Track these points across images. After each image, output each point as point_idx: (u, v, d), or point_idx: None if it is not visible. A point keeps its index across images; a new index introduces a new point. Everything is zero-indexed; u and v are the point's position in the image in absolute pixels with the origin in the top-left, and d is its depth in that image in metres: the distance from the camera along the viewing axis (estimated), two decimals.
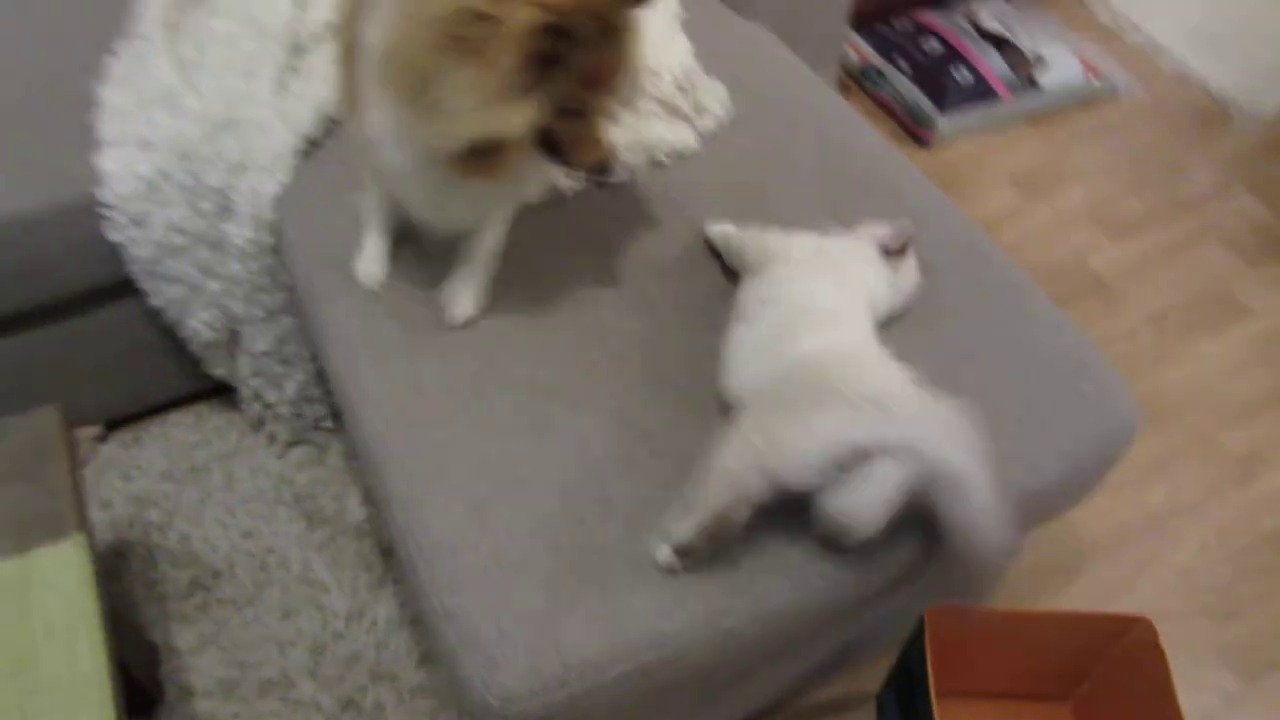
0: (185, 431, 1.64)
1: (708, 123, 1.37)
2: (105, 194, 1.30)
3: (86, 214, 1.32)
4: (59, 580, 1.00)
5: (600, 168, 1.00)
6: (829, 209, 1.25)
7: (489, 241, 1.16)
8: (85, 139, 1.33)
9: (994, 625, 1.24)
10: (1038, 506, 1.12)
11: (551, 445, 1.04)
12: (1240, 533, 1.57)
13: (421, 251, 1.21)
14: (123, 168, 1.29)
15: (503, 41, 0.86)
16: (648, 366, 1.12)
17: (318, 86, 1.33)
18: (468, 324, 1.14)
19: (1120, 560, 1.54)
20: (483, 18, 0.85)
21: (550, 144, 0.98)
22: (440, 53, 0.88)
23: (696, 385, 1.10)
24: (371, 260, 1.19)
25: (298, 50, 1.37)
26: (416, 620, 1.43)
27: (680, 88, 1.36)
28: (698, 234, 1.23)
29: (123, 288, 1.44)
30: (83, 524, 1.06)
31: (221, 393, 1.66)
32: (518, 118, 0.90)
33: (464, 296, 1.14)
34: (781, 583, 0.98)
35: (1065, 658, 1.28)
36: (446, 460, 1.04)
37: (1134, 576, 1.52)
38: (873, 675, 1.37)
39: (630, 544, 0.98)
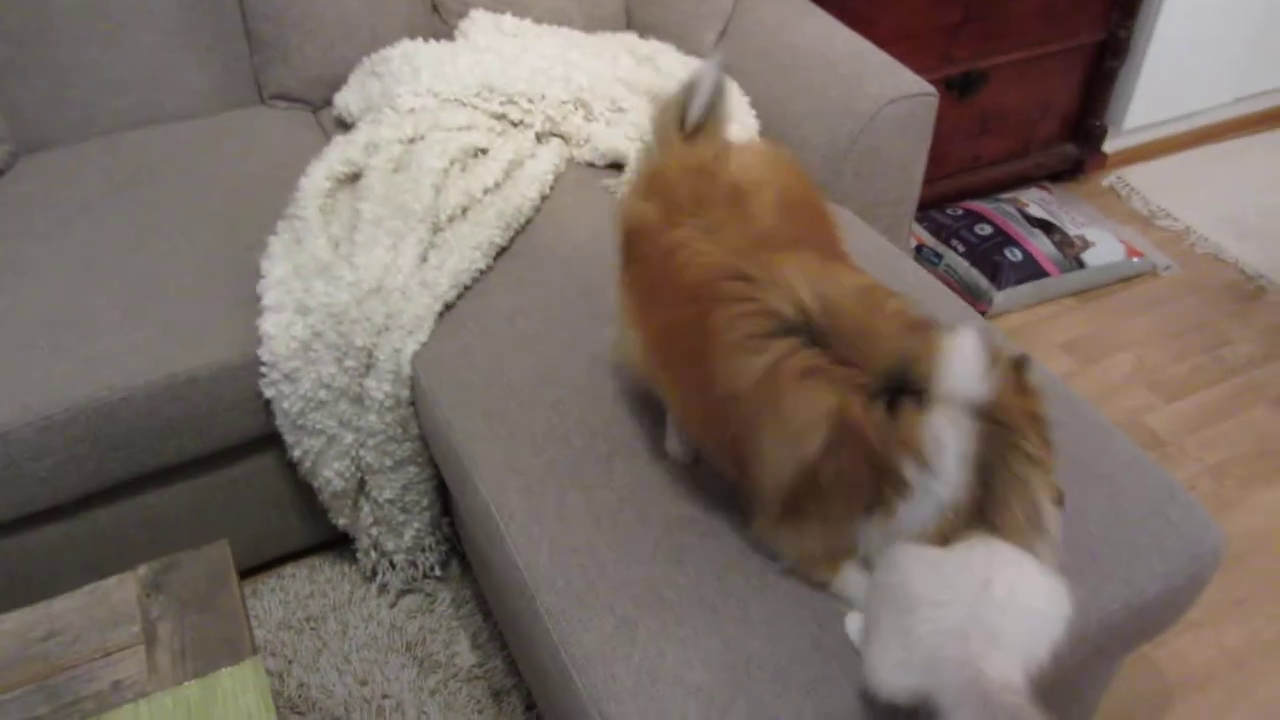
0: (300, 583, 1.73)
1: None
2: (264, 353, 1.44)
3: (244, 372, 1.46)
4: (241, 699, 1.08)
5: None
6: None
7: None
8: (248, 306, 1.49)
9: None
10: (1138, 625, 1.18)
11: (692, 570, 1.14)
12: None
13: (559, 398, 1.33)
14: (282, 330, 1.44)
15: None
16: None
17: (453, 259, 1.50)
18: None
19: (1203, 700, 1.58)
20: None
21: None
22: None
23: None
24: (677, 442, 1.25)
25: (436, 229, 1.54)
26: None
27: None
28: None
29: (264, 442, 1.57)
30: (255, 648, 1.14)
31: (332, 547, 1.77)
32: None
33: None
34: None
35: None
36: (592, 581, 1.13)
37: (1219, 715, 1.55)
38: None
39: (773, 657, 1.05)
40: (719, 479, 1.23)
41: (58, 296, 1.50)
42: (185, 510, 1.57)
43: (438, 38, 1.92)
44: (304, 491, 1.65)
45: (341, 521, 1.62)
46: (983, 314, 2.25)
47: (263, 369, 1.46)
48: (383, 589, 1.70)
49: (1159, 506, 1.23)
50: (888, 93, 1.70)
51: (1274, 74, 2.84)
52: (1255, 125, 2.99)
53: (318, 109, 1.99)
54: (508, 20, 1.92)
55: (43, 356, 1.41)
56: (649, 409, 1.32)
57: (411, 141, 1.68)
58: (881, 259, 1.58)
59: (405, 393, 1.47)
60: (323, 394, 1.46)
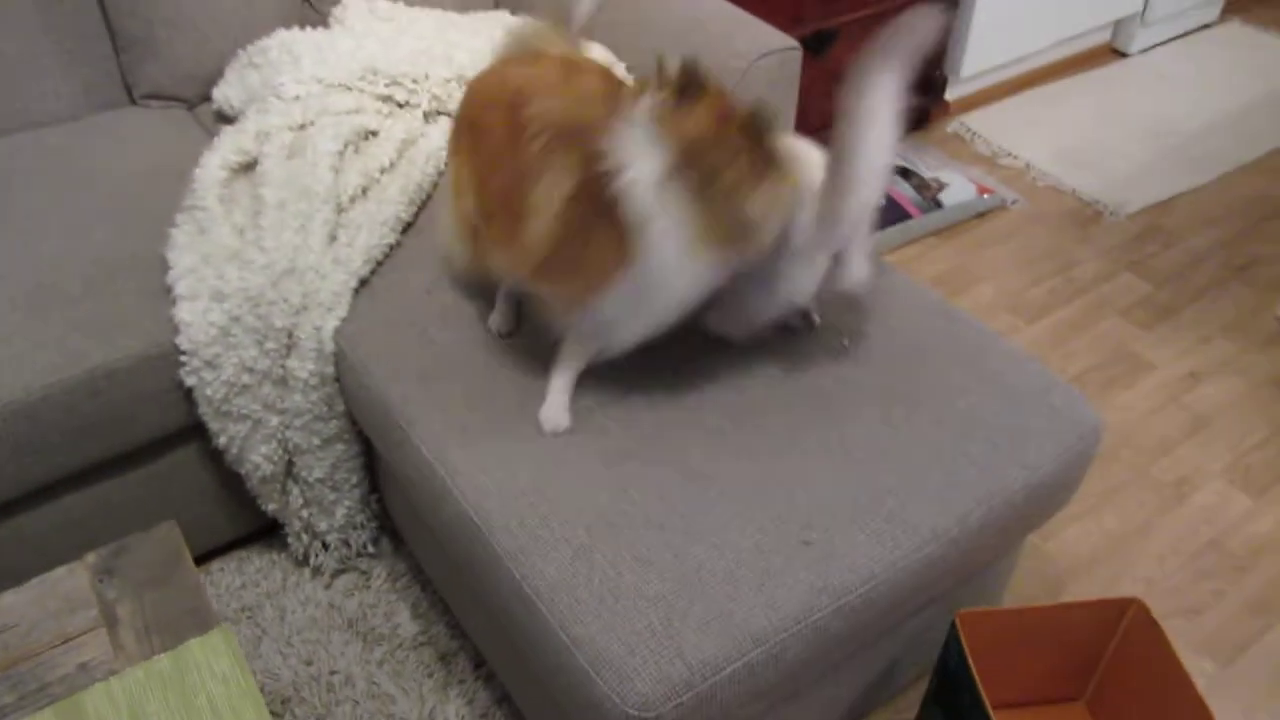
0: (230, 576, 1.73)
1: None
2: (182, 341, 1.45)
3: (163, 362, 1.46)
4: (215, 666, 1.10)
5: None
6: None
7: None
8: (156, 297, 1.49)
9: (1011, 623, 1.41)
10: (1037, 503, 1.32)
11: (636, 496, 1.21)
12: (1186, 543, 1.80)
13: (485, 360, 1.39)
14: (198, 317, 1.45)
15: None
16: (696, 425, 1.30)
17: (363, 235, 1.53)
18: None
19: (1093, 579, 1.74)
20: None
21: None
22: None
23: (740, 430, 1.28)
24: (560, 408, 1.32)
25: (340, 209, 1.57)
26: (486, 715, 1.53)
27: None
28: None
29: (184, 434, 1.57)
30: (220, 617, 1.16)
31: (258, 538, 1.77)
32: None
33: None
34: (851, 579, 1.15)
35: (1073, 652, 1.46)
36: (544, 517, 1.19)
37: (1107, 592, 1.72)
38: (906, 704, 1.53)
39: (721, 561, 1.14)
40: (651, 414, 1.31)
41: None
42: (108, 510, 1.55)
43: (311, 26, 1.93)
44: (228, 483, 1.65)
45: (271, 507, 1.63)
46: None
47: (183, 358, 1.46)
48: (316, 571, 1.71)
49: (1043, 396, 1.36)
50: (757, 48, 1.80)
51: (1088, 17, 3.08)
52: (1077, 66, 3.23)
53: (193, 106, 1.97)
54: (381, 4, 1.95)
55: None
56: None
57: (302, 128, 1.69)
58: None
59: (329, 370, 1.49)
60: (245, 378, 1.48)
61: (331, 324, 1.47)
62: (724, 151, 1.17)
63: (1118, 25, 3.29)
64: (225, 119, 1.86)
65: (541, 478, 1.23)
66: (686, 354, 1.39)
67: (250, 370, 1.47)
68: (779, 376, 1.37)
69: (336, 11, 1.95)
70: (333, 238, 1.53)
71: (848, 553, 1.16)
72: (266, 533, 1.77)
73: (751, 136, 1.19)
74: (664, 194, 1.15)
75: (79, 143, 1.83)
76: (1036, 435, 1.31)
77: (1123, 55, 3.31)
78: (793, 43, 1.84)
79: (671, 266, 1.19)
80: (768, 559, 1.15)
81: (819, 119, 2.64)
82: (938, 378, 1.37)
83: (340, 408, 1.54)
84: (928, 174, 2.54)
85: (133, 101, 1.97)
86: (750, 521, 1.18)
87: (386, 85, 1.77)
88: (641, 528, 1.17)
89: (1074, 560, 1.77)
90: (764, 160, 1.19)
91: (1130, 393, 2.11)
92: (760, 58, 1.79)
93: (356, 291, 1.51)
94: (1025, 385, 1.38)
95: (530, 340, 1.42)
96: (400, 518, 1.69)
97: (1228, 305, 2.32)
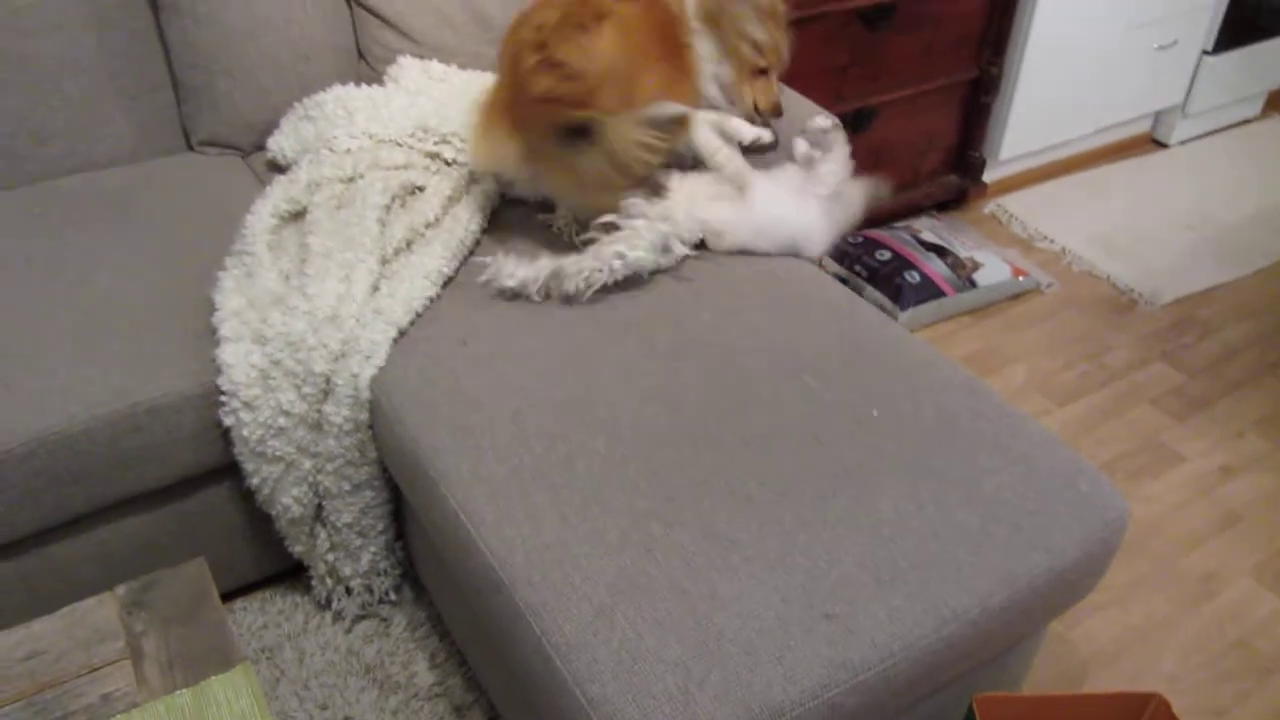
0: (252, 616, 1.74)
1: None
2: (223, 382, 1.48)
3: (203, 401, 1.50)
4: (235, 703, 1.11)
5: (779, 109, 1.80)
6: (841, 358, 1.51)
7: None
8: (201, 338, 1.52)
9: (1030, 711, 1.39)
10: (1061, 589, 1.31)
11: (660, 557, 1.22)
12: (1212, 641, 1.78)
13: (516, 409, 1.41)
14: (240, 359, 1.48)
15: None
16: (724, 487, 1.31)
17: (405, 287, 1.56)
18: None
19: (1115, 671, 1.72)
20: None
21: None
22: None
23: (767, 496, 1.29)
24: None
25: (383, 261, 1.61)
26: None
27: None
28: (745, 376, 1.46)
29: (217, 474, 1.60)
30: (242, 656, 1.17)
31: (282, 579, 1.79)
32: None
33: None
34: (870, 656, 1.15)
35: None
36: (567, 573, 1.20)
37: (1128, 685, 1.70)
38: None
39: (742, 630, 1.14)
40: (679, 474, 1.32)
41: (2, 336, 1.51)
42: (138, 544, 1.58)
43: (365, 83, 1.99)
44: (256, 524, 1.67)
45: (298, 549, 1.65)
46: None
47: (222, 398, 1.49)
48: (338, 616, 1.72)
49: (1071, 480, 1.36)
50: (797, 123, 1.84)
51: (1128, 107, 3.12)
52: (1116, 154, 3.26)
53: (247, 154, 2.03)
54: (435, 66, 2.01)
55: None
56: (602, 409, 1.40)
57: (352, 180, 1.75)
58: (803, 277, 1.71)
59: (364, 416, 1.52)
60: (282, 421, 1.50)
61: (369, 372, 1.50)
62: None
63: (1158, 116, 3.32)
64: (278, 168, 1.92)
65: (566, 533, 1.25)
66: (717, 415, 1.41)
67: (287, 413, 1.50)
68: (808, 443, 1.38)
69: (391, 70, 2.01)
70: (375, 288, 1.57)
71: (868, 628, 1.16)
72: (290, 574, 1.79)
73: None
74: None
75: (136, 185, 1.89)
76: (1063, 520, 1.31)
77: (1163, 146, 3.34)
78: (834, 119, 1.87)
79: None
80: (788, 630, 1.15)
81: None
82: (965, 456, 1.38)
83: (372, 454, 1.56)
84: (963, 253, 2.56)
85: (190, 147, 2.04)
86: (773, 591, 1.18)
87: (435, 143, 1.83)
88: (664, 590, 1.18)
89: (1096, 650, 1.75)
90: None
91: (1159, 483, 2.09)
92: (801, 133, 1.83)
93: (395, 341, 1.54)
94: (1054, 469, 1.38)
95: (559, 394, 1.44)
96: (424, 566, 1.70)
97: (1262, 400, 2.31)
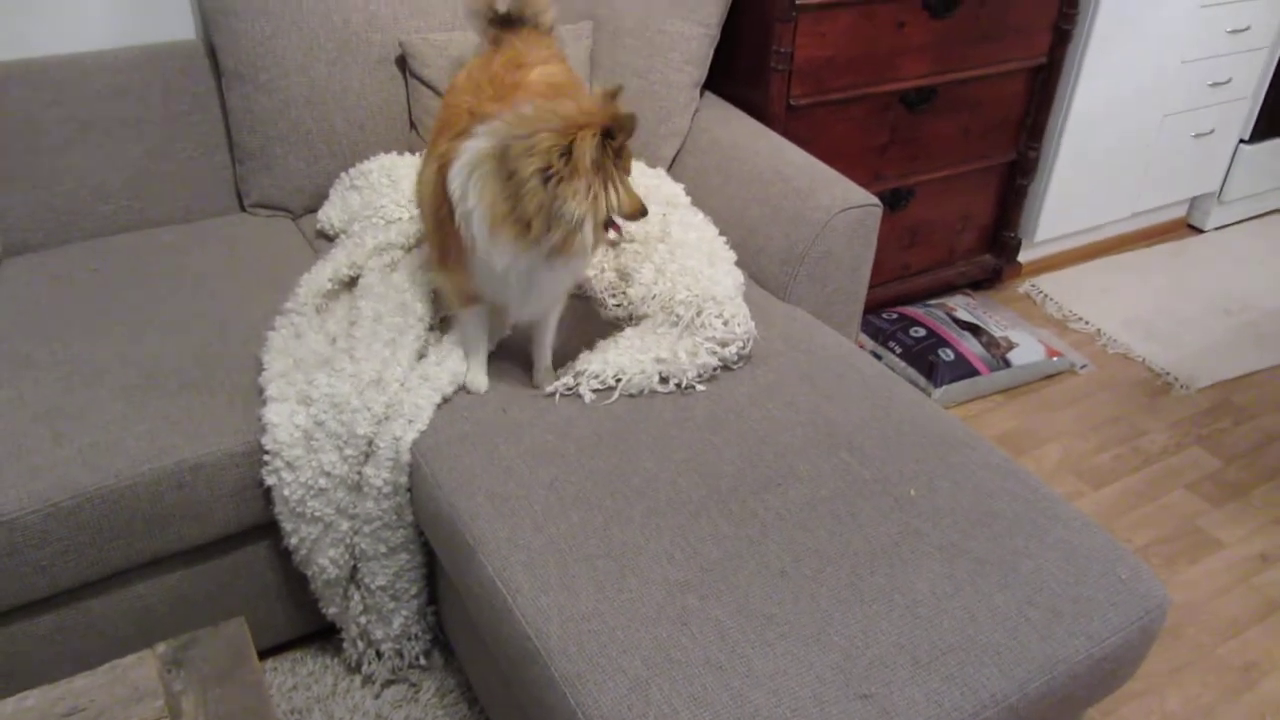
0: (283, 676, 1.74)
1: (731, 351, 1.64)
2: (267, 441, 1.50)
3: (246, 459, 1.52)
4: None
5: (642, 212, 1.45)
6: (878, 436, 1.51)
7: (553, 328, 1.62)
8: (247, 397, 1.55)
9: None
10: (1100, 676, 1.29)
11: (696, 631, 1.22)
12: None
13: (554, 478, 1.42)
14: (285, 419, 1.51)
15: (580, 158, 1.31)
16: (759, 562, 1.31)
17: (453, 360, 1.58)
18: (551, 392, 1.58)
19: None
20: (563, 151, 1.31)
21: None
22: (544, 192, 1.32)
23: (802, 571, 1.29)
24: (479, 373, 1.59)
25: (431, 327, 1.63)
26: None
27: (719, 316, 1.67)
28: (781, 450, 1.47)
29: (255, 533, 1.62)
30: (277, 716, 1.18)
31: (314, 640, 1.79)
32: (610, 199, 1.36)
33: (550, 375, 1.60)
34: None
35: None
36: (603, 645, 1.20)
37: None
38: None
39: (778, 709, 1.13)
40: (715, 547, 1.32)
41: (57, 390, 1.54)
42: (175, 600, 1.59)
43: (415, 151, 2.05)
44: (290, 583, 1.68)
45: (331, 611, 1.66)
46: None
47: (265, 457, 1.51)
48: (368, 680, 1.72)
49: (1110, 567, 1.35)
50: (838, 203, 1.86)
51: (1164, 192, 3.13)
52: (1152, 238, 3.27)
53: (297, 216, 2.08)
54: None
55: (46, 446, 1.45)
56: (637, 478, 1.41)
57: (410, 249, 1.79)
58: (839, 353, 1.72)
59: (403, 479, 1.53)
60: (323, 481, 1.52)
61: (411, 436, 1.52)
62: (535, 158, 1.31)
63: (1194, 202, 3.33)
64: (326, 237, 1.96)
65: (603, 604, 1.25)
66: (753, 488, 1.41)
67: (328, 474, 1.52)
68: (845, 519, 1.38)
69: None
70: (421, 354, 1.60)
71: (904, 710, 1.15)
72: (322, 635, 1.79)
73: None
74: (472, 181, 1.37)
75: (189, 244, 1.94)
76: (1102, 606, 1.30)
77: (1198, 231, 3.35)
78: (873, 199, 1.90)
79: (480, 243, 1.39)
80: (825, 710, 1.14)
81: (891, 270, 2.70)
82: (1003, 538, 1.37)
83: (409, 518, 1.57)
84: (997, 332, 2.57)
85: (242, 208, 2.09)
86: (809, 669, 1.18)
87: None
88: (699, 666, 1.18)
89: None
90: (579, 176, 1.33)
91: (1196, 569, 2.07)
92: (840, 212, 1.86)
93: (438, 407, 1.56)
94: (1092, 553, 1.37)
95: (597, 463, 1.45)
96: (455, 633, 1.70)
97: None
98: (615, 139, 1.35)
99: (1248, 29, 2.91)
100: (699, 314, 1.66)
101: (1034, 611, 1.28)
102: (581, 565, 1.30)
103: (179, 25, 2.08)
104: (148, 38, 2.05)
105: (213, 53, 2.00)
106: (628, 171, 1.42)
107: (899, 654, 1.21)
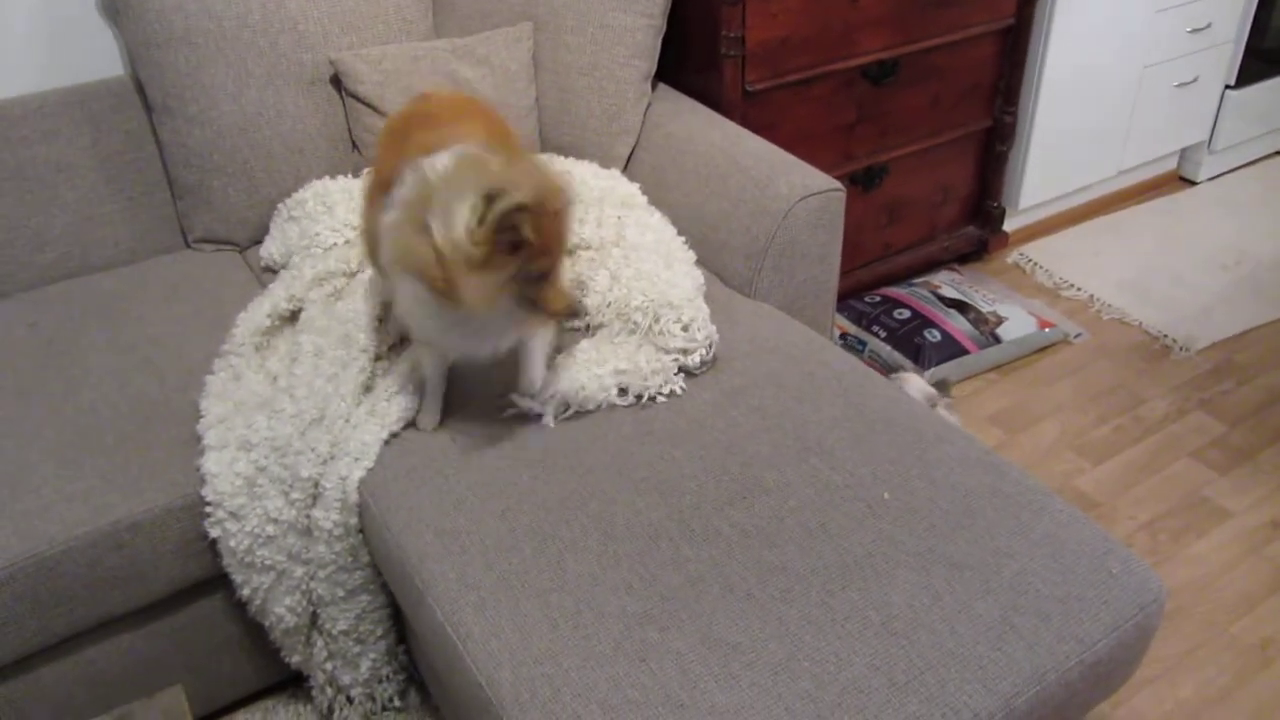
0: None
1: (693, 359, 1.56)
2: (208, 492, 1.44)
3: (187, 514, 1.45)
4: None
5: (570, 313, 1.38)
6: (851, 437, 1.43)
7: (537, 349, 1.46)
8: (188, 447, 1.48)
9: None
10: (1095, 680, 1.21)
11: (655, 667, 1.14)
12: (1273, 713, 1.65)
13: (506, 508, 1.35)
14: (225, 467, 1.44)
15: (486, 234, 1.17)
16: (723, 585, 1.23)
17: (404, 397, 1.51)
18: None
19: None
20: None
21: (531, 301, 1.28)
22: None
23: (769, 593, 1.21)
24: (431, 413, 1.50)
25: (379, 359, 1.56)
26: None
27: (678, 322, 1.58)
28: (748, 460, 1.39)
29: (210, 584, 1.55)
30: None
31: (286, 687, 1.73)
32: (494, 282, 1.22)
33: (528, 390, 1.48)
34: None
35: None
36: (557, 689, 1.12)
37: None
38: None
39: None
40: (675, 572, 1.24)
41: None
42: (131, 663, 1.53)
43: (354, 173, 1.97)
44: (253, 632, 1.61)
45: (295, 659, 1.59)
46: None
47: (207, 508, 1.44)
48: None
49: (1099, 561, 1.27)
50: (797, 191, 1.78)
51: (1151, 146, 3.03)
52: (1142, 194, 3.17)
53: (244, 249, 2.01)
54: None
55: None
56: (595, 503, 1.34)
57: (355, 275, 1.71)
58: (809, 350, 1.64)
59: (354, 520, 1.46)
60: (270, 529, 1.45)
61: (358, 474, 1.45)
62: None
63: (1184, 153, 3.23)
64: (273, 272, 1.89)
65: (557, 644, 1.17)
66: (716, 505, 1.34)
67: (275, 521, 1.45)
68: (815, 531, 1.30)
69: None
70: (367, 387, 1.52)
71: None
72: (294, 682, 1.73)
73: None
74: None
75: (131, 288, 1.87)
76: (1092, 606, 1.22)
77: (1191, 183, 3.24)
78: (835, 184, 1.81)
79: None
80: None
81: (871, 251, 2.61)
82: (984, 539, 1.29)
83: (365, 559, 1.50)
84: (985, 308, 2.48)
85: (187, 245, 2.02)
86: (777, 700, 1.10)
87: None
88: (659, 705, 1.10)
89: None
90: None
91: (1205, 542, 1.98)
92: (801, 200, 1.77)
93: (386, 442, 1.49)
94: (1080, 549, 1.29)
95: (551, 489, 1.37)
96: (428, 671, 1.63)
97: None
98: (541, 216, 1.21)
99: None
100: (657, 320, 1.58)
101: (1019, 618, 1.20)
102: (534, 603, 1.23)
103: (106, 63, 2.01)
104: (75, 78, 1.98)
105: (142, 88, 1.93)
106: (559, 255, 1.28)
107: (874, 676, 1.13)
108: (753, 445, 1.45)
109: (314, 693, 1.64)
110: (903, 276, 2.70)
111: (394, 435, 1.49)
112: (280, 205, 1.92)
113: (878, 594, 1.22)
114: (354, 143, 2.01)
